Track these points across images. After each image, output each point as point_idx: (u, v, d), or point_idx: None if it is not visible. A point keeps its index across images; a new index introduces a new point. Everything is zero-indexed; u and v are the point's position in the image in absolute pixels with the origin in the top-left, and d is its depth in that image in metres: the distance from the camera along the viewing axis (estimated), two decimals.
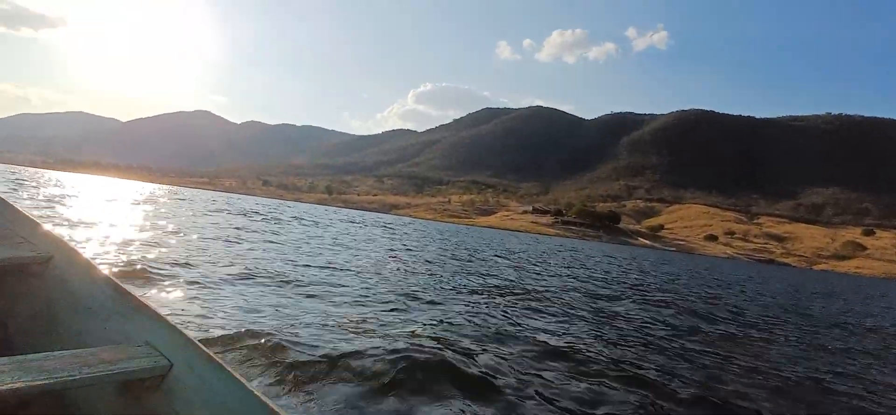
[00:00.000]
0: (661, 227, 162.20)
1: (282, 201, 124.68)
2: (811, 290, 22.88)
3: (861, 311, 14.17)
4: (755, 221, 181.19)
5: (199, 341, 1.44)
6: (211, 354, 1.37)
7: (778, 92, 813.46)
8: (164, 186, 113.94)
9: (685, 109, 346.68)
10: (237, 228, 14.23)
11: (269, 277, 6.38)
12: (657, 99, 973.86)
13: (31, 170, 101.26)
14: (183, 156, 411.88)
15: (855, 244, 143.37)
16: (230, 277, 5.99)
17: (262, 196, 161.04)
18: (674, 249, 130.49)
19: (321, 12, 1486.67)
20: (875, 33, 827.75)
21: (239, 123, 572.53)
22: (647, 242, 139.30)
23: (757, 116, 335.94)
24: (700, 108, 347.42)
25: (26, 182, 28.84)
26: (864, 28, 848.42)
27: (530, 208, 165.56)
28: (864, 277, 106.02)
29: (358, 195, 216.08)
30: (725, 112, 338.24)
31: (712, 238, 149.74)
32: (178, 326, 1.48)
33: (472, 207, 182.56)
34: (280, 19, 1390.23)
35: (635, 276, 16.61)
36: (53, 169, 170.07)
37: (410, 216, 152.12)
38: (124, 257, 6.08)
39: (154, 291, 4.72)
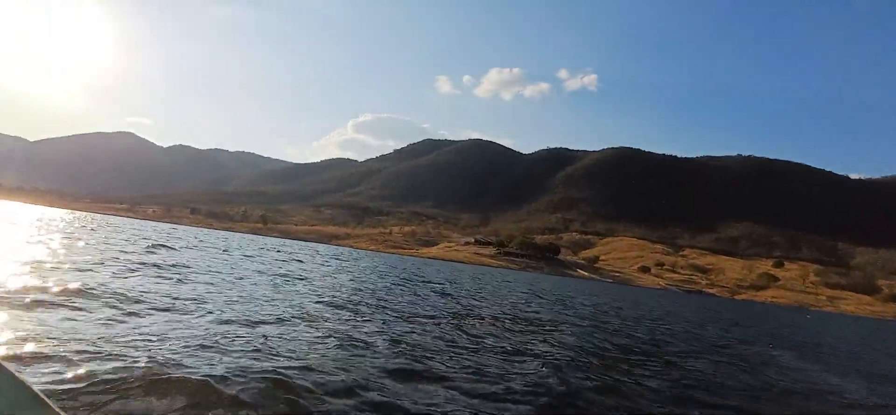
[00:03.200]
0: (597, 258, 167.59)
1: (210, 231, 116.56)
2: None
3: None
4: (681, 254, 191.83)
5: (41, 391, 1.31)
6: (52, 404, 1.24)
7: (696, 133, 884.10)
8: (78, 213, 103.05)
9: (614, 146, 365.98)
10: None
11: None
12: (589, 136, 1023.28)
13: None
14: (101, 180, 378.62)
15: (769, 275, 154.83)
16: None
17: (189, 225, 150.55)
18: (610, 280, 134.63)
19: (255, 37, 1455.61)
20: (779, 85, 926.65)
21: (165, 146, 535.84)
22: (585, 273, 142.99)
23: (678, 155, 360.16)
24: (628, 145, 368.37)
25: None
26: (769, 79, 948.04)
27: (472, 240, 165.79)
28: (781, 306, 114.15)
29: (295, 225, 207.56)
30: (650, 150, 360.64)
31: (645, 270, 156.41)
32: (19, 374, 1.34)
33: (414, 238, 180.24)
34: (212, 42, 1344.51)
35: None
36: None
37: (351, 247, 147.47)
38: None
39: None
